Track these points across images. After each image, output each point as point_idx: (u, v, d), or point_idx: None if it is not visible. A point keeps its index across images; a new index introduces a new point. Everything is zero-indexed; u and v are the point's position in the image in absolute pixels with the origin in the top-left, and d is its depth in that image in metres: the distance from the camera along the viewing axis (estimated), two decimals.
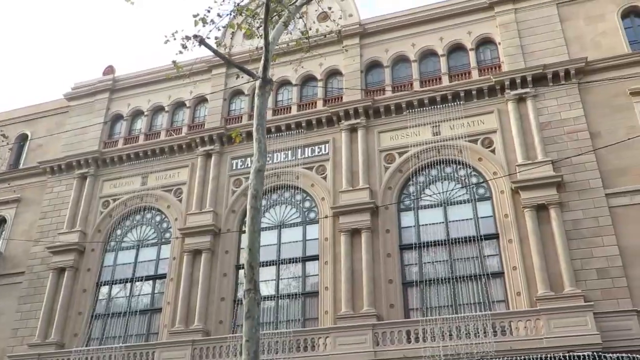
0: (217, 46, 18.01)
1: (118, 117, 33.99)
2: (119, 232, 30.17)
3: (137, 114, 33.71)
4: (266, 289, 25.76)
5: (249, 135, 29.45)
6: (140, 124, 33.21)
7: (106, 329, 27.44)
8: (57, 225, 30.82)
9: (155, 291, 27.78)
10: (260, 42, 14.68)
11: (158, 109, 33.37)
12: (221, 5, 16.93)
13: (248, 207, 11.90)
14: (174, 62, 18.62)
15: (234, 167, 29.32)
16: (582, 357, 18.92)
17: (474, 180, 25.43)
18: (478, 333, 20.86)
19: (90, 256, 29.43)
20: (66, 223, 30.49)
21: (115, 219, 30.19)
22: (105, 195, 31.12)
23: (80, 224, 30.21)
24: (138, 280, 28.12)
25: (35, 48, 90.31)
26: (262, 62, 13.58)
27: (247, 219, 11.76)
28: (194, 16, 15.36)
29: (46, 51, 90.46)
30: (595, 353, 18.81)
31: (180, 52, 19.59)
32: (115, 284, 28.55)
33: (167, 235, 29.04)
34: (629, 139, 22.02)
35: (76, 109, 34.84)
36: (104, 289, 28.70)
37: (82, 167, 31.90)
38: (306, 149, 28.25)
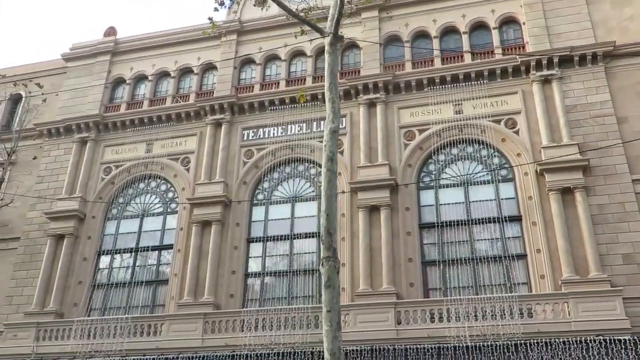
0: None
1: (120, 81, 32.57)
2: (121, 200, 28.97)
3: (140, 78, 32.35)
4: (282, 264, 25.07)
5: (261, 105, 28.62)
6: (144, 89, 31.88)
7: (108, 300, 26.39)
8: (55, 190, 29.46)
9: (161, 262, 26.77)
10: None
11: (163, 75, 32.04)
12: None
13: (323, 170, 11.20)
14: (210, 19, 17.67)
15: (245, 138, 28.30)
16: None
17: (496, 160, 24.98)
18: (504, 315, 20.52)
19: (91, 223, 28.20)
20: (65, 188, 29.15)
21: (117, 186, 28.97)
22: (107, 161, 29.81)
23: (80, 190, 28.90)
24: (142, 250, 27.02)
25: (29, 6, 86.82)
26: (331, 17, 12.77)
27: (323, 183, 11.05)
28: None
29: (41, 10, 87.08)
30: (636, 337, 18.63)
31: (216, 10, 18.61)
32: (118, 253, 27.43)
33: (173, 205, 27.97)
34: None
35: (74, 71, 33.30)
36: (106, 258, 27.56)
37: (82, 131, 30.50)
38: (322, 122, 27.34)
